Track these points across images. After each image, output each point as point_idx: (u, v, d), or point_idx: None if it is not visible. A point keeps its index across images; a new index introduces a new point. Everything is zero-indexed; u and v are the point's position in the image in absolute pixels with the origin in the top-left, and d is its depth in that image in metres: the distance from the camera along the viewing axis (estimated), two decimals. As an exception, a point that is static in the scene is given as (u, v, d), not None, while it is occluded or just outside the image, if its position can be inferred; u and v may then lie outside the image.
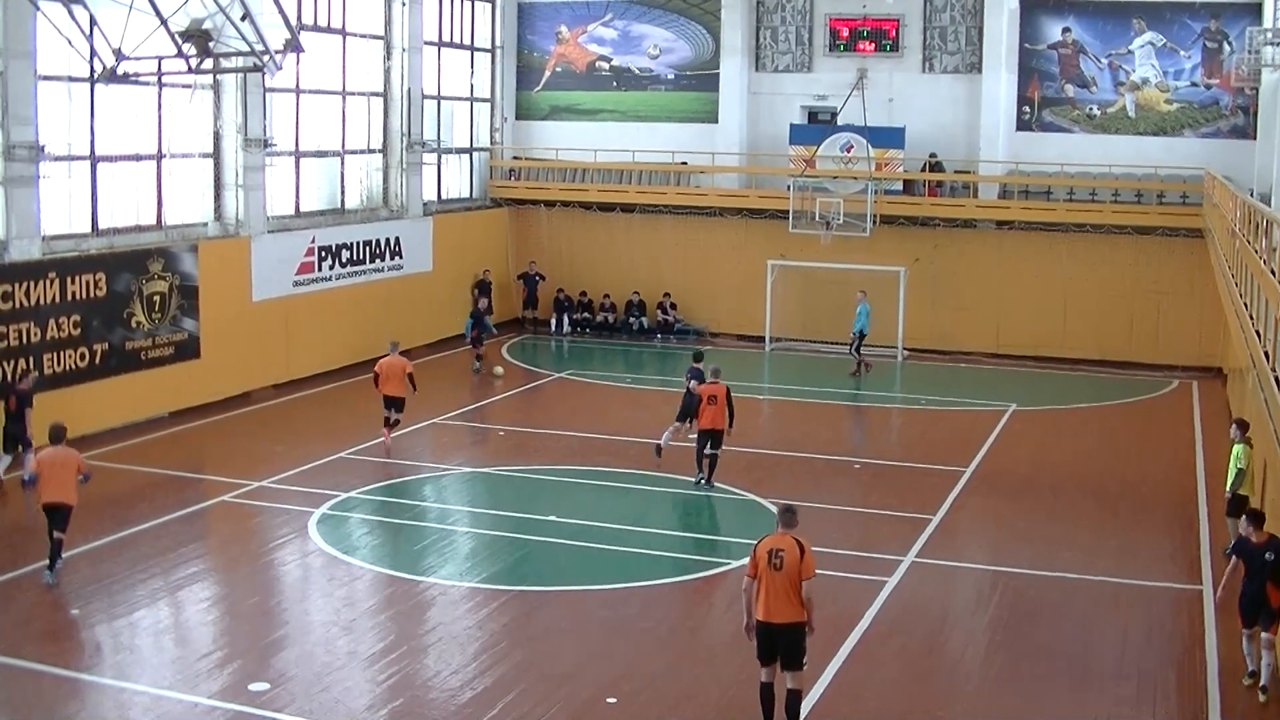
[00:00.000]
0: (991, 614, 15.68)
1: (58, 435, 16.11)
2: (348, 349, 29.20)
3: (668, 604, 15.95)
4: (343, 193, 30.58)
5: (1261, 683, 13.14)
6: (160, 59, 19.10)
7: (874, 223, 32.05)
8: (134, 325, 23.32)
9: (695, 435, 20.66)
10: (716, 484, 20.36)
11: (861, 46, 33.65)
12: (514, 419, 25.04)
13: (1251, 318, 16.84)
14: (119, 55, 18.56)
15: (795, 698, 11.98)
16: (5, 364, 20.75)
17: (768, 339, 32.96)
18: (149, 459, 21.00)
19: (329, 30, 29.53)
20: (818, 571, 12.00)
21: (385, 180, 31.83)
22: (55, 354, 21.68)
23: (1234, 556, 13.38)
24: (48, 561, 15.67)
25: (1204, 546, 18.09)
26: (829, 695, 13.09)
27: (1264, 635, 13.13)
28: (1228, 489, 17.03)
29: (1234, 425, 17.61)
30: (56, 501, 15.70)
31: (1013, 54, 32.48)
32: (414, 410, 24.55)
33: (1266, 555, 13.00)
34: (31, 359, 21.16)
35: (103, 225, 23.46)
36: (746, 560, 12.23)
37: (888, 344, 31.93)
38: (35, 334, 21.28)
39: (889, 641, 14.62)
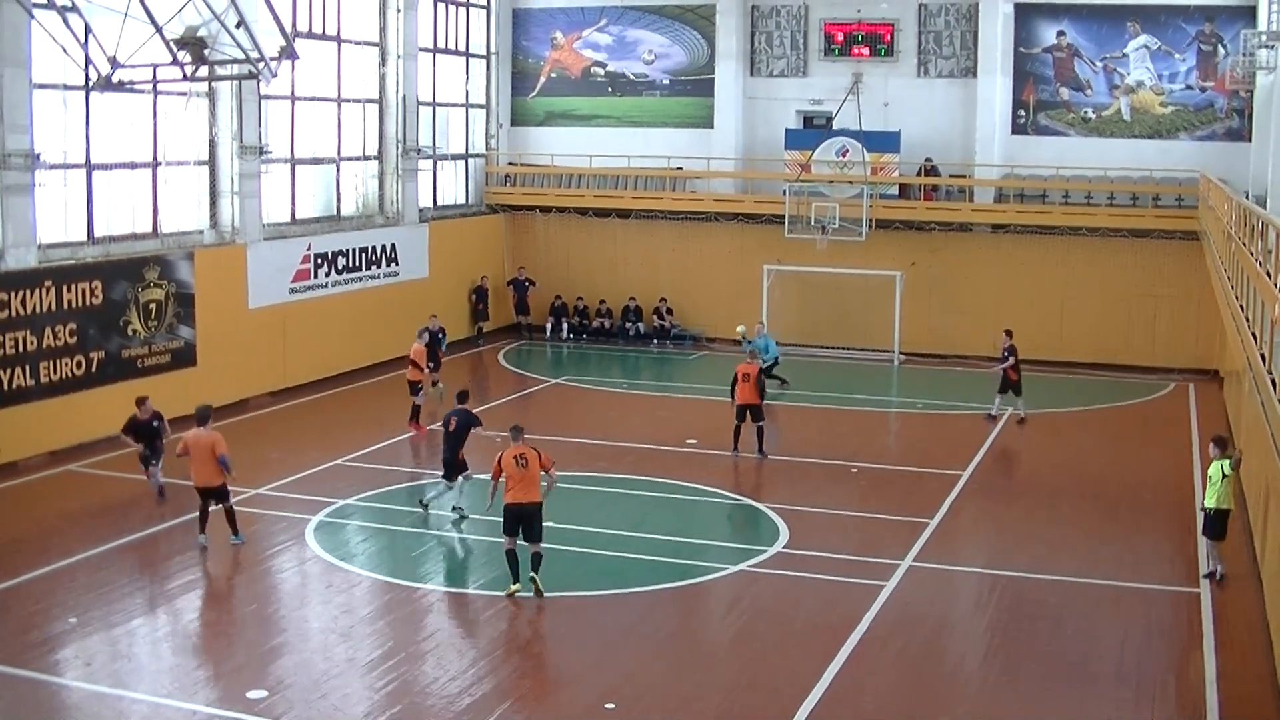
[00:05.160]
0: (990, 617, 15.68)
1: (203, 417, 17.69)
2: (344, 356, 29.20)
3: (666, 609, 15.91)
4: (338, 200, 30.57)
5: None
6: (155, 67, 19.07)
7: (870, 227, 32.06)
8: (130, 333, 23.30)
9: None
10: (715, 489, 20.39)
11: (857, 51, 33.66)
12: (510, 425, 24.93)
13: (1248, 320, 16.85)
14: (114, 63, 18.54)
15: (538, 557, 15.68)
16: (2, 372, 20.74)
17: (764, 344, 32.95)
18: (146, 467, 20.93)
19: (324, 37, 29.53)
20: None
21: (381, 187, 31.80)
22: (52, 362, 21.66)
23: None
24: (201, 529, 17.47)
25: (1202, 550, 18.05)
26: (827, 699, 13.09)
27: None
28: (1206, 504, 16.73)
29: (1212, 443, 17.11)
30: (202, 486, 17.44)
31: (1007, 58, 32.49)
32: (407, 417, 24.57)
33: None
34: (28, 367, 21.15)
35: (99, 233, 23.44)
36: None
37: (884, 348, 31.96)
38: (32, 342, 21.25)
39: (888, 646, 14.61)
